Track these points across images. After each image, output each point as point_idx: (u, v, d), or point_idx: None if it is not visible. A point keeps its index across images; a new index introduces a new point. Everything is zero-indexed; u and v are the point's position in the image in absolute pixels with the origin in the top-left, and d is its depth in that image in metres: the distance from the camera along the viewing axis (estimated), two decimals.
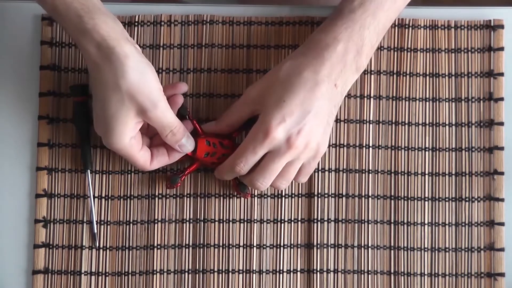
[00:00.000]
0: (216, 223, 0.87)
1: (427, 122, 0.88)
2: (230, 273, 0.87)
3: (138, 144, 0.80)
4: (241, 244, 0.87)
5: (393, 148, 0.88)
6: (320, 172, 0.88)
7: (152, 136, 0.85)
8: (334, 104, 0.80)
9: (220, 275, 0.87)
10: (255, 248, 0.87)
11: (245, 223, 0.87)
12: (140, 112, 0.77)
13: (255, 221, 0.87)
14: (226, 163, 0.82)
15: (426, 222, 0.87)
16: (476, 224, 0.87)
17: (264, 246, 0.87)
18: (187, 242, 0.87)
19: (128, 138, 0.78)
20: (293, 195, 0.88)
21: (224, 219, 0.87)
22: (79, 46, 0.78)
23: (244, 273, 0.87)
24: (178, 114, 0.84)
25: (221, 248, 0.87)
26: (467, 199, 0.88)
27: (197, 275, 0.87)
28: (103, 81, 0.76)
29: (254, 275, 0.87)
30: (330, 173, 0.88)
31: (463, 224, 0.87)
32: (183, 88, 0.85)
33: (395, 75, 0.89)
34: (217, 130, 0.85)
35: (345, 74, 0.79)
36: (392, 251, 0.87)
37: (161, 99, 0.78)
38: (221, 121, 0.85)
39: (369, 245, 0.87)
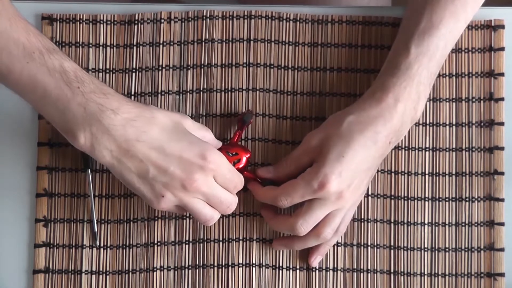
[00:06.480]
0: None
1: (427, 122, 0.88)
2: (230, 267, 0.87)
3: None
4: (241, 238, 0.87)
5: (393, 147, 0.88)
6: None
7: None
8: (384, 157, 0.82)
9: (220, 270, 0.87)
10: (254, 242, 0.87)
11: (245, 216, 0.87)
12: None
13: (256, 214, 0.87)
14: (269, 195, 0.83)
15: (426, 222, 0.87)
16: (476, 224, 0.87)
17: (264, 240, 0.87)
18: (187, 238, 0.87)
19: None
20: None
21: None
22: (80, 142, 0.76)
23: (244, 267, 0.87)
24: (240, 122, 0.85)
25: (221, 243, 0.87)
26: (467, 199, 0.88)
27: (197, 270, 0.87)
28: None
29: (253, 269, 0.87)
30: None
31: (463, 224, 0.88)
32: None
33: None
34: (274, 178, 0.84)
35: (401, 131, 0.81)
36: (392, 251, 0.87)
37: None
38: (280, 170, 0.84)
39: (369, 244, 0.87)
